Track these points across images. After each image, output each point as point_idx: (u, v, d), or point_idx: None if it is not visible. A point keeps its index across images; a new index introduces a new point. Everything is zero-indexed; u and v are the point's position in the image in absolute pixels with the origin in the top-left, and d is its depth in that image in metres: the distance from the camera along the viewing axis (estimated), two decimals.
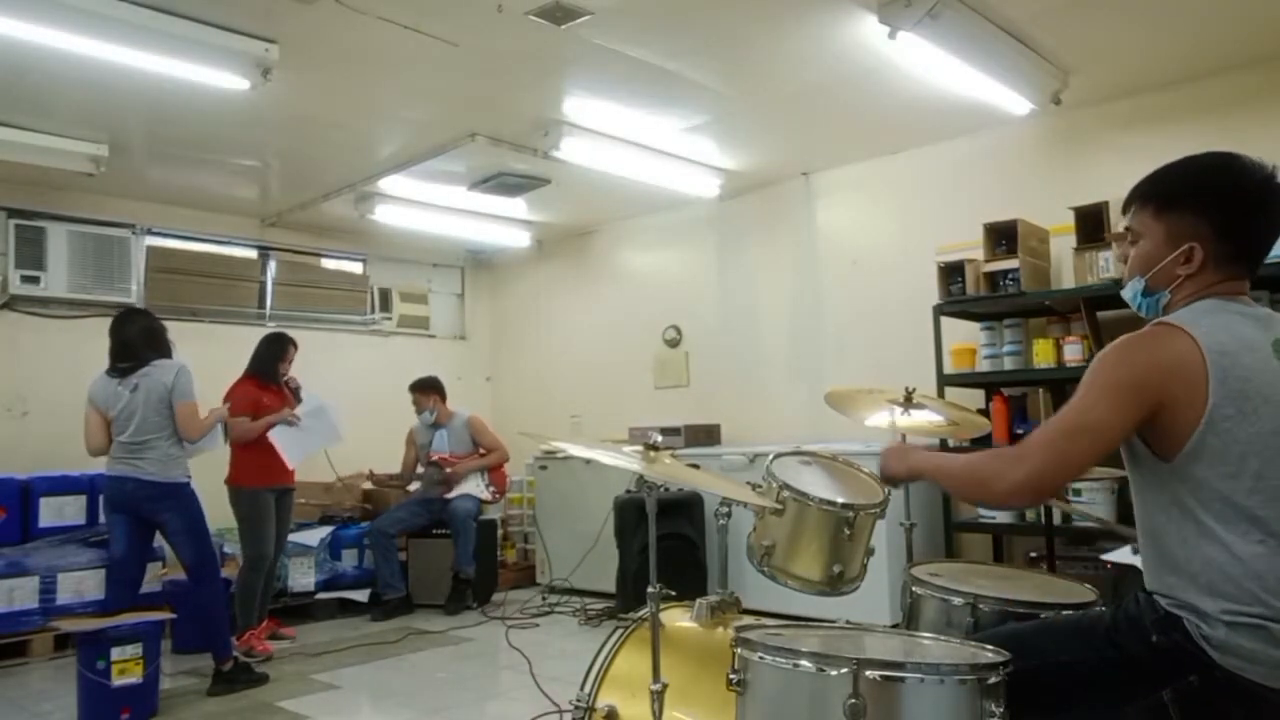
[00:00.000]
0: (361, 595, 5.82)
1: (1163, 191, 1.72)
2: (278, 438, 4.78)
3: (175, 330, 4.30)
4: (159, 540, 4.28)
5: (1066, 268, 4.63)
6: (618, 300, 7.12)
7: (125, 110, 4.50)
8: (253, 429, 4.72)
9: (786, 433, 5.77)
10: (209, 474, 4.55)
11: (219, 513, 4.76)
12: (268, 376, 4.89)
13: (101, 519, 4.96)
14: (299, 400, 4.96)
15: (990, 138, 5.08)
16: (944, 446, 4.31)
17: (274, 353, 4.93)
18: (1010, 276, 4.53)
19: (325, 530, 5.79)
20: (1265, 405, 1.55)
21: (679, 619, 2.30)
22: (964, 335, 4.86)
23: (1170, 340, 1.59)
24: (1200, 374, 1.53)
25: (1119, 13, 3.76)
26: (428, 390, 6.15)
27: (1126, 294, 1.80)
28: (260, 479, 4.74)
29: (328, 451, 5.14)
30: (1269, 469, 1.54)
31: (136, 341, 4.07)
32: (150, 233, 6.14)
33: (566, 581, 6.04)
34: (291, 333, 5.22)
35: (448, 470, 6.01)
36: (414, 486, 6.25)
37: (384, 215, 6.23)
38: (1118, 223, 3.14)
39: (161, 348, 4.12)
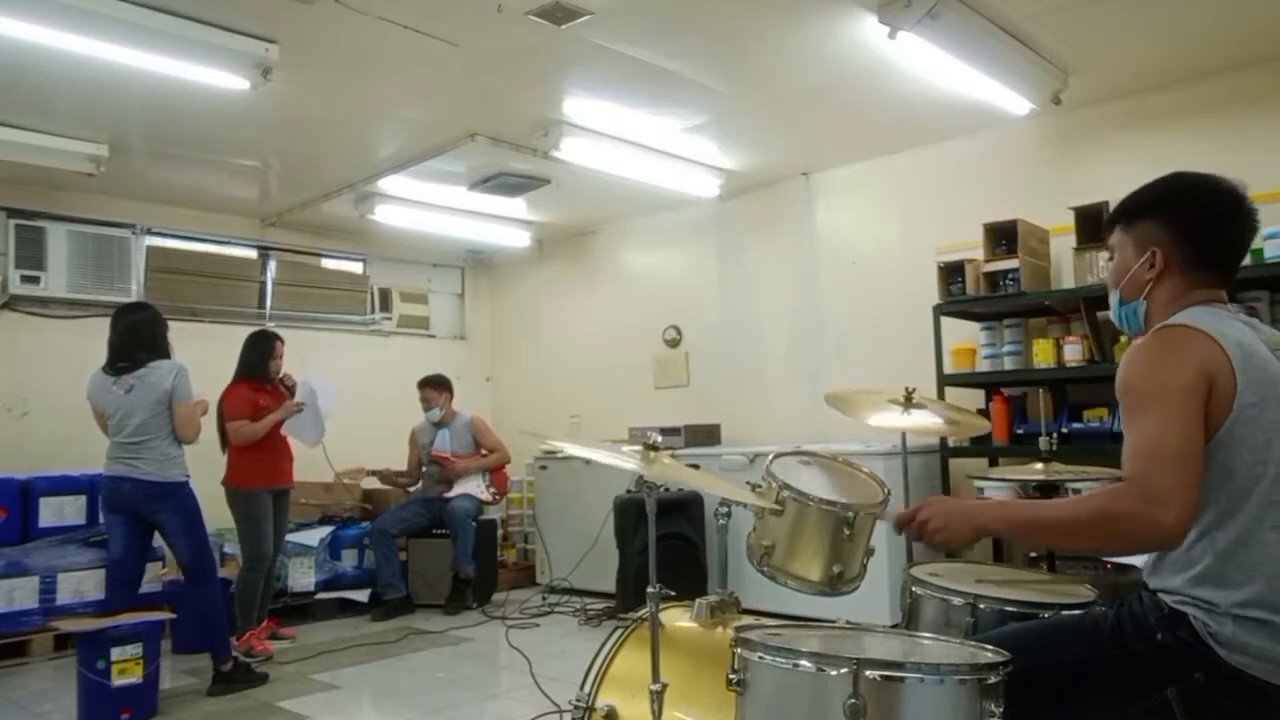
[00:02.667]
0: (361, 595, 5.82)
1: (1128, 206, 1.82)
2: (290, 430, 4.82)
3: (175, 330, 4.29)
4: (158, 540, 4.27)
5: (1066, 268, 4.63)
6: (618, 300, 7.11)
7: (125, 110, 4.50)
8: (256, 430, 4.72)
9: (786, 433, 5.77)
10: (208, 474, 4.55)
11: (218, 513, 4.76)
12: (261, 377, 4.88)
13: (102, 519, 4.97)
14: (293, 395, 4.96)
15: (990, 138, 5.08)
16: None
17: (262, 351, 4.90)
18: (1010, 276, 4.53)
19: (325, 530, 5.79)
20: None
21: (679, 619, 2.29)
22: (964, 335, 4.86)
23: (1193, 337, 1.61)
24: (1226, 366, 1.57)
25: (1119, 13, 3.76)
26: (440, 387, 6.14)
27: (1112, 311, 1.89)
28: (258, 480, 4.74)
29: (325, 449, 5.13)
30: None
31: (131, 341, 4.06)
32: (150, 233, 6.14)
33: (566, 581, 6.04)
34: (292, 333, 5.24)
35: (449, 467, 6.02)
36: (415, 486, 6.25)
37: (384, 215, 6.23)
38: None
39: (158, 348, 4.10)
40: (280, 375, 4.96)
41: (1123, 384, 1.64)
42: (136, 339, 4.07)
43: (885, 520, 2.05)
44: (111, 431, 4.03)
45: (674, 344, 6.72)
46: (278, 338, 5.00)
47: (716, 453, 5.58)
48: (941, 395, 4.55)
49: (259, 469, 4.75)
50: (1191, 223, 1.74)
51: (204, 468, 4.43)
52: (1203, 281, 1.74)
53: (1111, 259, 1.87)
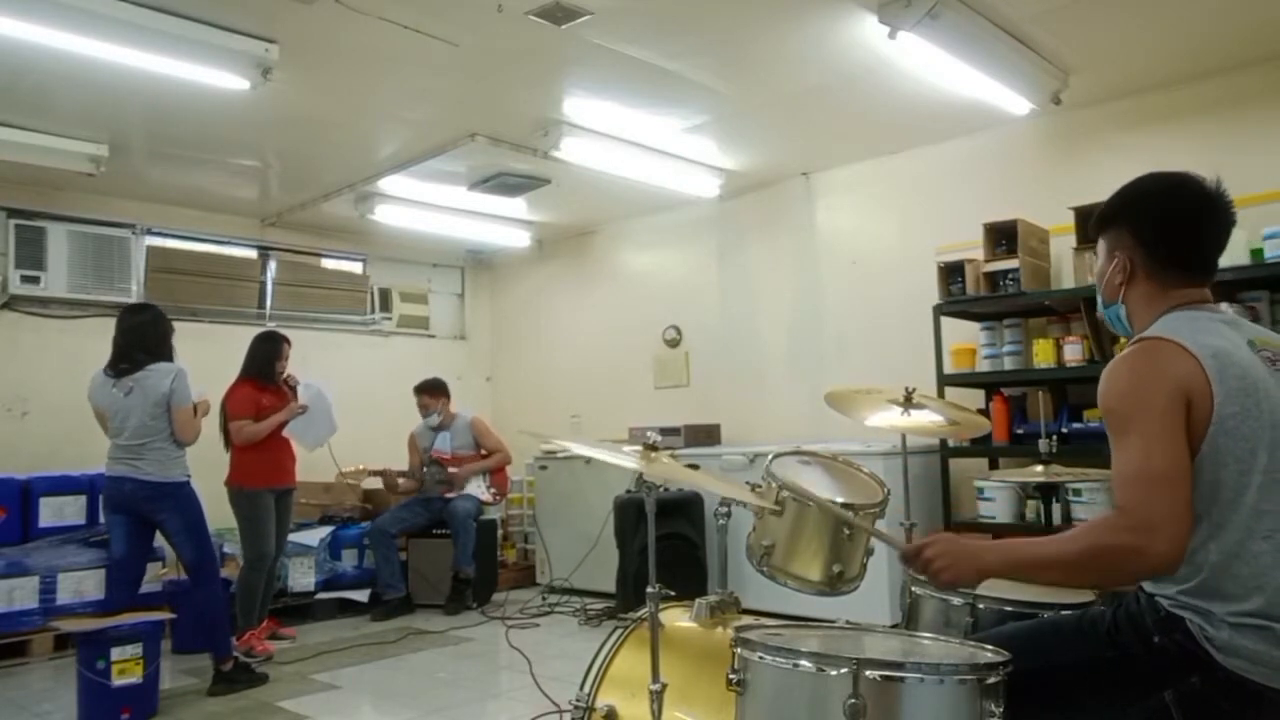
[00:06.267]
0: (361, 595, 5.81)
1: (1102, 213, 1.85)
2: (291, 432, 4.83)
3: (175, 330, 4.29)
4: (159, 540, 4.28)
5: (1066, 268, 4.63)
6: (618, 300, 7.11)
7: (125, 110, 4.50)
8: (259, 430, 4.72)
9: (786, 433, 5.77)
10: (210, 474, 4.55)
11: (219, 513, 4.76)
12: (266, 377, 4.88)
13: (102, 519, 4.96)
14: (297, 396, 4.96)
15: (990, 138, 5.08)
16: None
17: (269, 352, 4.91)
18: (1010, 276, 4.53)
19: (325, 530, 5.79)
20: (1266, 400, 1.57)
21: (678, 619, 2.30)
22: (964, 335, 4.86)
23: (1166, 351, 1.60)
24: (1201, 377, 1.55)
25: (1119, 13, 3.76)
26: (436, 393, 6.14)
27: (1100, 313, 1.93)
28: (261, 480, 4.74)
29: (330, 447, 5.14)
30: (1275, 462, 1.55)
31: (132, 342, 4.06)
32: (150, 233, 6.14)
33: (566, 581, 6.04)
34: (292, 333, 5.23)
35: (450, 471, 6.02)
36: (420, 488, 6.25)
37: (384, 215, 6.23)
38: None
39: (158, 350, 4.09)
40: (285, 376, 4.97)
41: (1103, 404, 1.64)
42: (137, 340, 4.07)
43: (886, 544, 2.03)
44: (112, 433, 4.03)
45: (674, 344, 6.72)
46: (285, 339, 5.01)
47: (716, 453, 5.58)
48: (941, 395, 4.55)
49: (262, 469, 4.75)
50: (1152, 227, 1.75)
51: (206, 467, 4.43)
52: (1178, 282, 1.73)
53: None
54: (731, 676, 1.66)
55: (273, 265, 6.73)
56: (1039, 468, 3.08)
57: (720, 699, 1.84)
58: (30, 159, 4.78)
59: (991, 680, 1.53)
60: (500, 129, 4.96)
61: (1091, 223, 1.89)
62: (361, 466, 5.90)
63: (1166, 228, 1.75)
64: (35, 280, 5.58)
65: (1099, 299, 1.89)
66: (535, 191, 6.03)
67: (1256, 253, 3.94)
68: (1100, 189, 1.90)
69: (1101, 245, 1.85)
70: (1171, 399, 1.55)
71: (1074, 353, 4.36)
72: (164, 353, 4.11)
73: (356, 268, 7.33)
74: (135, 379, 4.00)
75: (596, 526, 5.69)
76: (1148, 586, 1.65)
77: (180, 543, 4.05)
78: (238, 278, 6.52)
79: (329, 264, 7.15)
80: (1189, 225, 1.74)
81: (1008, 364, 4.64)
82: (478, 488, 6.04)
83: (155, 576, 4.91)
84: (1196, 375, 1.55)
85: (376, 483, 6.14)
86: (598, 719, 2.15)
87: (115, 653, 3.65)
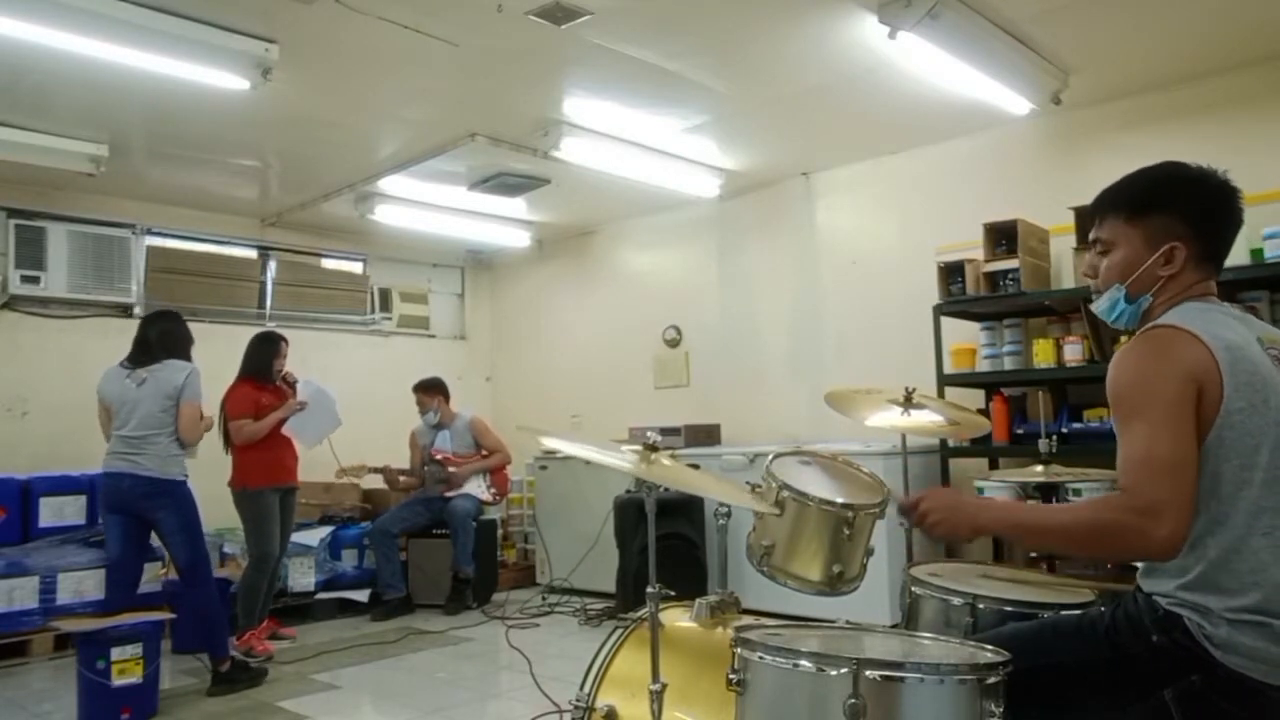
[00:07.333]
0: (361, 595, 5.81)
1: (1135, 197, 1.76)
2: (291, 429, 4.84)
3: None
4: (158, 540, 4.27)
5: (1066, 268, 4.63)
6: (618, 300, 7.11)
7: (125, 110, 4.50)
8: (259, 429, 4.73)
9: (786, 433, 5.77)
10: (209, 475, 4.55)
11: (219, 513, 4.76)
12: (264, 377, 4.89)
13: (100, 519, 4.97)
14: (296, 394, 4.96)
15: (990, 138, 5.08)
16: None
17: (266, 352, 4.92)
18: (1010, 276, 4.53)
19: (325, 530, 5.79)
20: (1274, 397, 1.57)
21: (678, 619, 2.30)
22: (964, 335, 4.85)
23: (1181, 340, 1.59)
24: (1213, 368, 1.55)
25: (1119, 13, 3.76)
26: (431, 391, 6.15)
27: (1102, 305, 1.81)
28: (265, 479, 4.75)
29: (332, 444, 5.13)
30: (1278, 460, 1.55)
31: (158, 343, 4.13)
32: (150, 233, 6.14)
33: (566, 581, 6.04)
34: (291, 333, 5.24)
35: (450, 470, 6.02)
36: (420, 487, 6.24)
37: (384, 215, 6.23)
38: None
39: (177, 350, 4.16)
40: (284, 374, 4.97)
41: (1112, 391, 1.62)
42: (163, 343, 4.14)
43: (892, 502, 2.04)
44: (116, 425, 4.05)
45: (674, 344, 6.72)
46: (282, 338, 5.02)
47: (716, 453, 5.58)
48: (941, 395, 4.55)
49: (264, 468, 4.75)
50: (1208, 216, 1.71)
51: (205, 468, 4.43)
52: (1202, 275, 1.72)
53: (1103, 252, 1.79)
54: (731, 676, 1.66)
55: (273, 265, 6.73)
56: (1039, 468, 3.08)
57: (720, 699, 1.84)
58: (30, 159, 4.78)
59: (991, 680, 1.53)
60: (500, 129, 4.96)
61: (1116, 204, 1.77)
62: (361, 463, 5.92)
63: (1218, 216, 1.72)
64: (35, 280, 5.58)
65: (1116, 291, 1.76)
66: (535, 191, 6.03)
67: (1256, 253, 3.94)
68: (1100, 189, 1.88)
69: (1131, 233, 1.73)
70: (1182, 387, 1.54)
71: (1074, 353, 4.35)
72: (181, 353, 4.18)
73: (356, 268, 7.33)
74: (150, 370, 4.06)
75: (596, 526, 5.69)
76: (1146, 585, 1.65)
77: (175, 543, 4.06)
78: (238, 278, 6.52)
79: (329, 264, 7.15)
80: (1229, 216, 1.73)
81: (1008, 364, 4.63)
82: (478, 487, 6.04)
83: (154, 576, 4.91)
84: (1209, 365, 1.55)
85: (377, 481, 6.14)
86: (598, 719, 2.15)
87: (115, 653, 3.65)
